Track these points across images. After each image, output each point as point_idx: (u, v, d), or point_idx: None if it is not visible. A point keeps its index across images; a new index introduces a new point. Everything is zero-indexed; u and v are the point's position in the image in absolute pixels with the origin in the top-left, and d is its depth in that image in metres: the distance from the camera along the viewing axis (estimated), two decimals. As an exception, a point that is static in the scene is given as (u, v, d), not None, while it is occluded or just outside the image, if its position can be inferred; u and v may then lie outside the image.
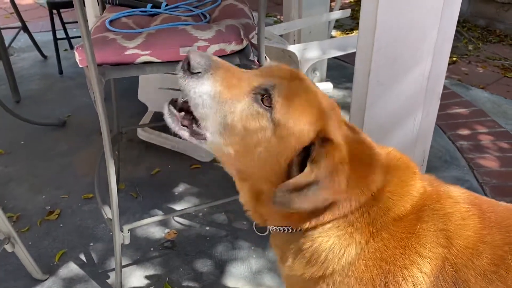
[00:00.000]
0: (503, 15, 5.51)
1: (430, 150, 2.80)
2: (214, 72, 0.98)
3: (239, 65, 1.18)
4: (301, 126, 0.97)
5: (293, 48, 2.65)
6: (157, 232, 2.34)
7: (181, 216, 2.44)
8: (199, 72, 0.97)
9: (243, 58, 1.66)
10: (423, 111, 1.78)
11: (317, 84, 3.57)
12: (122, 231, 1.78)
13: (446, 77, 4.50)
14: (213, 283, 2.06)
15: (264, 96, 0.97)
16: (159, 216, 2.10)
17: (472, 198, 1.08)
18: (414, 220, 1.00)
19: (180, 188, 2.67)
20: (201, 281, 2.07)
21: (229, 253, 2.22)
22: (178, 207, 2.51)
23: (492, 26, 5.62)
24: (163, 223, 2.39)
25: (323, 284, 1.03)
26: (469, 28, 5.62)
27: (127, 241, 1.82)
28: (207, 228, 2.38)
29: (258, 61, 1.64)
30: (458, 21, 5.07)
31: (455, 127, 3.27)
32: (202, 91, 0.97)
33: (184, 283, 2.06)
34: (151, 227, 2.36)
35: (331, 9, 3.65)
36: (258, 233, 1.23)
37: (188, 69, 0.97)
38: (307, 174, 0.93)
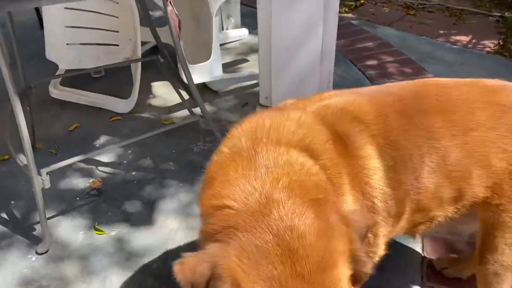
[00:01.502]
0: (403, -42, 5.79)
1: (342, 81, 2.97)
2: None
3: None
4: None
5: (202, -12, 2.65)
6: (81, 182, 2.31)
7: (105, 165, 2.42)
8: None
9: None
10: (324, 31, 1.88)
11: (233, 30, 3.61)
12: (41, 175, 1.75)
13: (355, 18, 4.76)
14: (144, 221, 2.09)
15: None
16: (80, 156, 2.04)
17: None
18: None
19: (102, 140, 2.63)
20: (131, 221, 2.10)
21: (157, 193, 2.25)
22: (101, 158, 2.48)
23: (394, -31, 5.90)
24: (87, 173, 2.37)
25: None
26: (374, -27, 5.86)
27: (47, 185, 1.79)
28: (134, 173, 2.39)
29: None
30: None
31: (364, 59, 3.47)
32: None
33: (114, 226, 2.07)
34: (75, 177, 2.33)
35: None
36: None
37: None
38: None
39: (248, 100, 2.88)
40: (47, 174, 1.77)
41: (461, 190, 1.24)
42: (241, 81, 3.01)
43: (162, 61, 2.42)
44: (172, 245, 1.97)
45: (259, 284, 0.80)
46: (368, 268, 0.90)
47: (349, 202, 1.10)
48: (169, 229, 2.05)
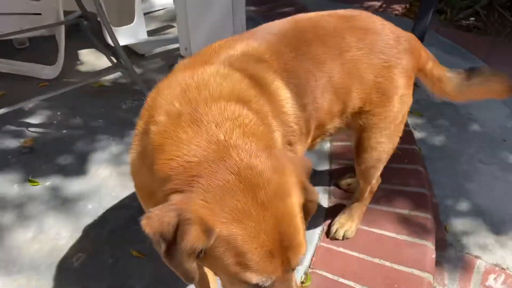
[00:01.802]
0: None
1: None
2: None
3: None
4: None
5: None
6: (13, 143, 2.38)
7: (35, 126, 2.49)
8: None
9: None
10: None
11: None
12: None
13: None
14: (77, 171, 2.22)
15: None
16: (5, 109, 2.10)
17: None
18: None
19: (30, 104, 2.68)
20: (64, 172, 2.21)
21: (88, 147, 2.37)
22: (31, 120, 2.55)
23: None
24: (18, 134, 2.43)
25: None
26: None
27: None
28: (64, 131, 2.48)
29: None
30: None
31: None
32: None
33: (48, 177, 2.18)
34: (6, 138, 2.39)
35: None
36: None
37: None
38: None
39: (174, 62, 3.04)
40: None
41: (345, 103, 1.49)
42: (167, 44, 3.15)
43: (86, 23, 2.51)
44: (105, 190, 2.12)
45: (225, 217, 0.88)
46: (316, 198, 1.02)
47: (279, 138, 1.23)
48: (101, 177, 2.19)
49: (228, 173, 0.91)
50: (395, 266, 1.76)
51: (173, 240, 0.87)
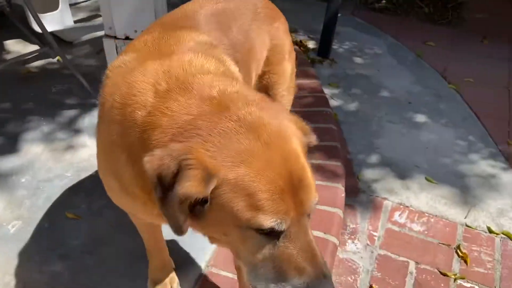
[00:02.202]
0: None
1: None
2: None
3: None
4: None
5: None
6: None
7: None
8: None
9: None
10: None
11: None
12: None
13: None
14: (9, 150, 2.27)
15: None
16: None
17: None
18: None
19: (-44, 93, 2.68)
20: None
21: (20, 128, 2.42)
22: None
23: None
24: None
25: None
26: None
27: None
28: (-7, 116, 2.52)
29: None
30: None
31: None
32: None
33: (-20, 158, 2.22)
34: None
35: None
36: None
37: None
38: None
39: (102, 47, 3.13)
40: None
41: (259, 65, 1.69)
42: (94, 31, 3.23)
43: (9, 10, 2.55)
44: (38, 164, 2.19)
45: (229, 160, 0.84)
46: (313, 140, 1.03)
47: None
48: (34, 153, 2.26)
49: (227, 121, 0.89)
50: (310, 205, 1.99)
51: (170, 187, 0.84)
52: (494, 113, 3.03)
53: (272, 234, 0.89)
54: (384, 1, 4.55)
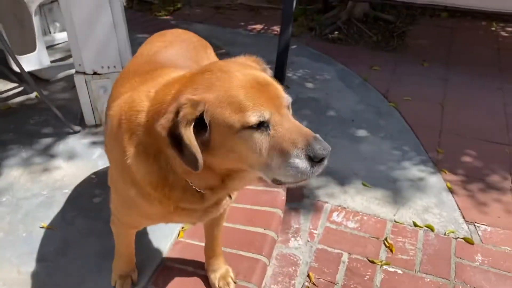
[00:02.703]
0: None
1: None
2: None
3: None
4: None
5: (17, -8, 3.19)
6: None
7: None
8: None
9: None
10: (110, 7, 2.59)
11: (59, 33, 4.15)
12: None
13: (174, 19, 5.59)
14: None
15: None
16: None
17: None
18: None
19: None
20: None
21: (1, 154, 2.73)
22: None
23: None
24: None
25: None
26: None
27: None
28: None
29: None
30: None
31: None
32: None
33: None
34: None
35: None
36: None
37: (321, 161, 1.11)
38: None
39: (77, 83, 3.49)
40: None
41: None
42: (68, 69, 3.59)
43: (-10, 53, 2.90)
44: (17, 186, 2.49)
45: (208, 89, 1.11)
46: (267, 69, 1.29)
47: None
48: (13, 176, 2.56)
49: (202, 75, 1.16)
50: (254, 207, 2.33)
51: (180, 136, 1.06)
52: (427, 125, 3.42)
53: (262, 127, 1.09)
54: (336, 33, 5.02)
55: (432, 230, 2.50)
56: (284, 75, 3.92)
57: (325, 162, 1.12)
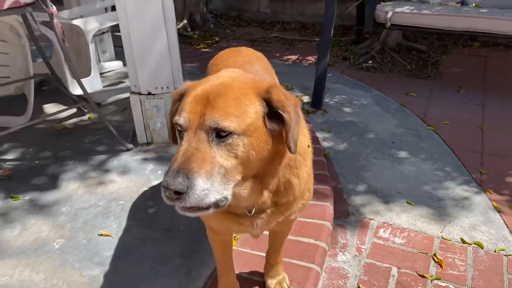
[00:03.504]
0: (246, 6, 7.21)
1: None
2: (192, 173, 1.06)
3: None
4: (249, 109, 1.14)
5: (77, 22, 3.44)
6: (-8, 174, 2.86)
7: (12, 160, 2.99)
8: (187, 188, 1.05)
9: (34, 7, 2.42)
10: (167, 33, 2.78)
11: (108, 62, 4.41)
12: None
13: (212, 51, 5.84)
14: (51, 187, 2.71)
15: (216, 133, 1.10)
16: None
17: None
18: None
19: (5, 146, 3.18)
20: (40, 189, 2.70)
21: (58, 170, 2.88)
22: (7, 156, 3.04)
23: (241, 15, 7.27)
24: (-4, 167, 2.92)
25: None
26: (225, 19, 7.16)
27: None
28: (37, 161, 3.00)
29: (45, 5, 2.42)
30: (216, 14, 6.59)
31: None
32: (205, 191, 1.07)
33: (27, 193, 2.66)
34: (-14, 172, 2.87)
35: None
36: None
37: (179, 193, 1.04)
38: (289, 117, 1.15)
39: (126, 106, 3.68)
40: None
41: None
42: (118, 93, 3.80)
43: (51, 75, 3.13)
44: (76, 197, 2.62)
45: (195, 86, 1.21)
46: (282, 106, 1.20)
47: None
48: (71, 189, 2.70)
49: (214, 76, 1.25)
50: (303, 219, 2.38)
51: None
52: (468, 148, 3.44)
53: (181, 132, 1.14)
54: (370, 62, 5.15)
55: (482, 247, 2.48)
56: (322, 100, 4.03)
57: (168, 193, 1.06)
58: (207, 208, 1.10)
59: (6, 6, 2.33)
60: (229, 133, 1.09)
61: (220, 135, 1.09)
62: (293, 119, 1.15)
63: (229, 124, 1.09)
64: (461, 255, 2.41)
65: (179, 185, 1.03)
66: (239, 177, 1.15)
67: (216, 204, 1.11)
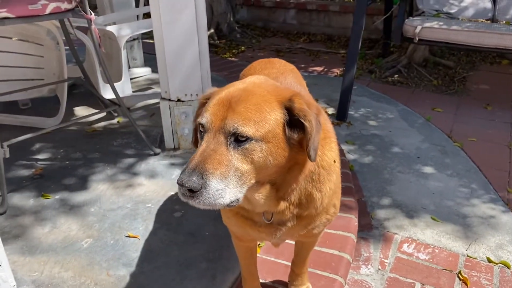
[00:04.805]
0: (273, 16, 7.28)
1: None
2: (207, 173, 1.09)
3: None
4: (269, 116, 1.16)
5: (111, 28, 3.54)
6: (25, 172, 2.95)
7: (43, 160, 3.08)
8: (201, 187, 1.08)
9: (74, 13, 2.51)
10: (198, 42, 2.85)
11: (138, 68, 4.51)
12: (2, 147, 2.42)
13: (238, 60, 5.91)
14: (80, 187, 2.79)
15: (235, 137, 1.13)
16: (30, 134, 2.73)
17: None
18: None
19: (37, 145, 3.28)
20: (70, 189, 2.78)
21: (88, 171, 2.96)
22: (38, 156, 3.14)
23: (267, 25, 7.35)
24: (29, 166, 3.01)
25: None
26: (251, 29, 7.24)
27: (7, 155, 2.45)
28: (67, 162, 3.08)
29: (84, 11, 2.51)
30: (242, 25, 6.69)
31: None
32: (219, 191, 1.10)
33: (57, 193, 2.74)
34: (19, 170, 2.96)
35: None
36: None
37: (192, 191, 1.08)
38: (310, 126, 1.17)
39: (154, 111, 3.76)
40: (7, 146, 2.44)
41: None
42: (147, 99, 3.88)
43: (84, 79, 3.22)
44: (104, 198, 2.69)
45: (220, 90, 1.25)
46: (303, 115, 1.21)
47: None
48: (100, 190, 2.76)
49: (240, 81, 1.29)
50: (328, 230, 2.38)
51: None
52: (495, 166, 3.39)
53: (203, 133, 1.18)
54: (396, 75, 5.13)
55: (508, 267, 2.44)
56: (347, 112, 4.03)
57: (182, 190, 1.10)
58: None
59: (48, 11, 2.42)
60: (247, 138, 1.12)
61: (238, 139, 1.12)
62: (314, 127, 1.17)
63: (247, 129, 1.12)
64: (487, 274, 2.38)
65: (193, 184, 1.07)
66: (253, 181, 1.18)
67: (227, 204, 1.14)
